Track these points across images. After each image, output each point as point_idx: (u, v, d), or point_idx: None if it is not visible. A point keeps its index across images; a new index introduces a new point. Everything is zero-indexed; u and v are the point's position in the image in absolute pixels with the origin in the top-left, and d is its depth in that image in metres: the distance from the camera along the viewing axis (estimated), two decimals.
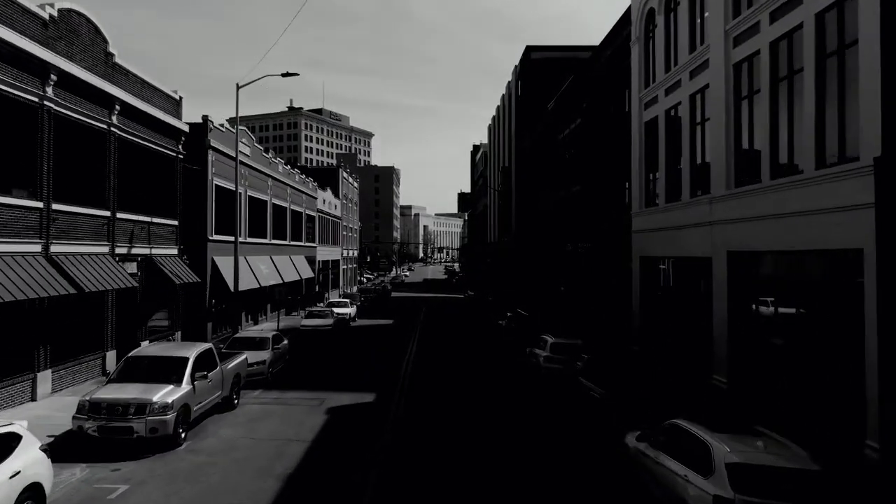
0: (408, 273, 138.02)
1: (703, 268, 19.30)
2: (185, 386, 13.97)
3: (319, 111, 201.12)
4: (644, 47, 25.07)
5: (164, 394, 13.28)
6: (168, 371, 14.21)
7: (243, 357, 18.09)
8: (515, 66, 59.88)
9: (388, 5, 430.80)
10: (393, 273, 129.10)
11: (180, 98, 26.60)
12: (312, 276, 51.03)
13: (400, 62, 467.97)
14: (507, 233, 60.58)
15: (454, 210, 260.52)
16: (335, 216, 66.77)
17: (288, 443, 13.95)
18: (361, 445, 13.88)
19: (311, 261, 53.77)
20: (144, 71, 23.57)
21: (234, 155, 32.53)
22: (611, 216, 29.29)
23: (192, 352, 14.91)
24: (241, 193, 34.97)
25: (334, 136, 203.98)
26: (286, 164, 46.22)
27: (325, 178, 69.30)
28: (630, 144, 26.27)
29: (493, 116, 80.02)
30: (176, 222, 26.18)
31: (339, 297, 53.25)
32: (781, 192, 14.87)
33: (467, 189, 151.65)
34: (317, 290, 56.93)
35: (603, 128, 30.71)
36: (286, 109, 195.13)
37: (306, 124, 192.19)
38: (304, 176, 52.00)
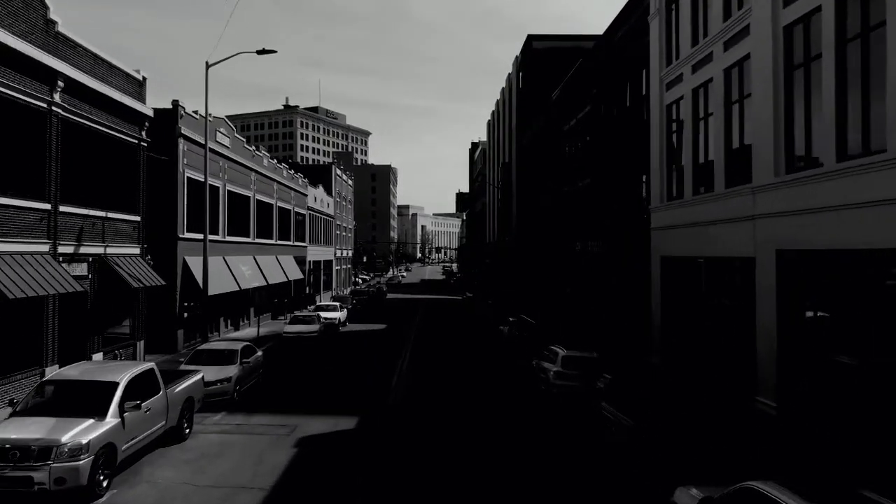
0: (405, 274, 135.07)
1: (743, 269, 16.45)
2: (111, 419, 11.09)
3: (315, 109, 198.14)
4: (665, 21, 22.22)
5: (79, 432, 10.39)
6: (91, 400, 11.32)
7: (198, 377, 15.18)
8: (516, 57, 57.06)
9: (388, 5, 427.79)
10: (390, 273, 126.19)
11: (144, 79, 23.71)
12: (301, 277, 48.16)
13: (399, 62, 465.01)
14: (508, 232, 57.77)
15: (452, 210, 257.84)
16: (328, 214, 63.89)
17: (238, 492, 11.07)
18: (331, 496, 11.00)
19: (300, 261, 50.89)
20: (98, 47, 20.68)
21: (210, 146, 29.69)
22: (625, 212, 26.45)
23: (123, 375, 12.00)
24: (219, 188, 32.10)
25: (331, 135, 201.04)
26: (273, 159, 43.36)
27: (318, 175, 66.39)
28: (648, 131, 23.44)
29: (493, 111, 77.21)
30: (138, 218, 23.28)
31: (331, 299, 50.34)
32: (853, 178, 12.02)
33: (466, 189, 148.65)
34: (307, 292, 54.04)
35: (615, 115, 27.86)
36: (281, 108, 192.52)
37: (302, 122, 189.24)
38: (292, 171, 49.12)
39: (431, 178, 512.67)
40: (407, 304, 61.49)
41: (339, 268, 72.95)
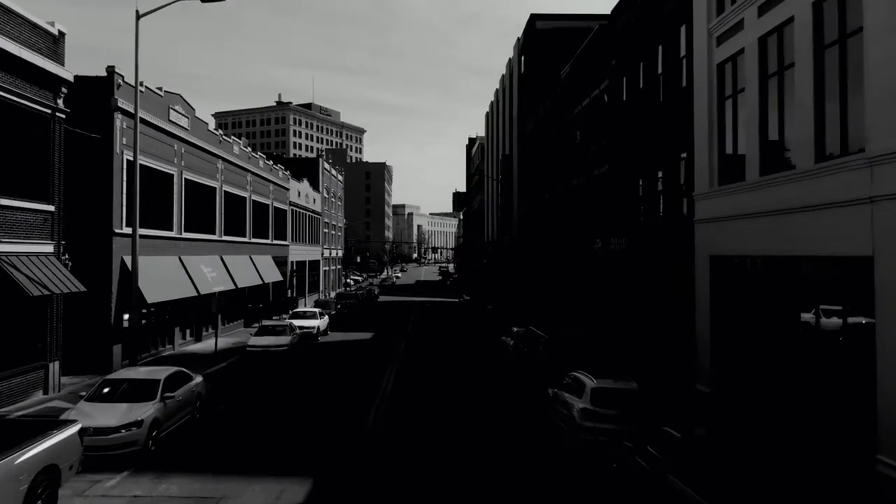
0: (399, 274, 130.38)
1: (850, 272, 11.84)
2: None
3: (309, 106, 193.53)
4: None
5: None
6: None
7: (68, 433, 10.41)
8: (518, 39, 52.45)
9: (384, 5, 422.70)
10: (384, 274, 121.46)
11: (60, 34, 18.96)
12: (281, 279, 43.43)
13: (395, 62, 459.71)
14: (508, 231, 53.15)
15: (449, 210, 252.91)
16: (314, 211, 59.18)
17: None
18: None
19: (280, 262, 46.17)
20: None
21: (161, 125, 24.98)
22: (656, 202, 21.83)
23: None
24: (173, 176, 27.39)
25: (324, 132, 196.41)
26: (247, 147, 38.64)
27: (303, 168, 61.70)
28: (688, 101, 18.83)
29: (491, 102, 72.57)
30: (51, 208, 18.53)
31: (314, 304, 45.44)
32: None
33: (463, 190, 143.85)
34: (289, 295, 49.33)
35: (642, 88, 23.24)
36: (274, 104, 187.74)
37: (295, 119, 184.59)
38: (270, 162, 44.37)
39: (428, 180, 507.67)
40: (399, 307, 56.80)
41: (327, 269, 68.24)
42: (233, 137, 35.68)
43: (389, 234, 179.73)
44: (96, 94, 21.83)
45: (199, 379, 16.30)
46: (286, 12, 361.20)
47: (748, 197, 15.41)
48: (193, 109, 29.75)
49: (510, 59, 56.63)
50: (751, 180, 15.33)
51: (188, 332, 29.62)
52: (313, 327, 31.99)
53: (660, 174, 21.73)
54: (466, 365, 25.56)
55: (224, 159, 33.77)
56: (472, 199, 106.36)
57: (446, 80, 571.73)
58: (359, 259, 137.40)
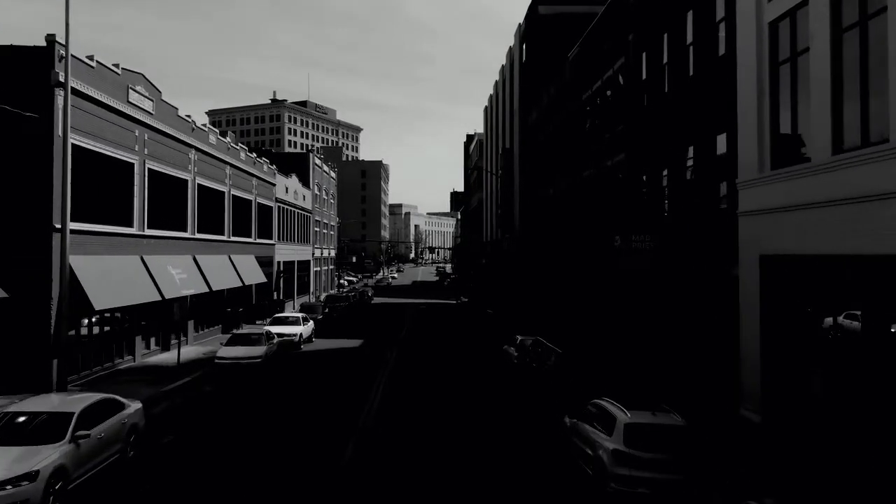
0: (396, 275, 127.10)
1: None
2: None
3: (304, 103, 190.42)
4: None
5: None
6: None
7: None
8: (519, 25, 49.39)
9: (382, 5, 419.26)
10: (380, 275, 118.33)
11: None
12: (265, 280, 40.31)
13: (392, 62, 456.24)
14: (509, 229, 50.14)
15: (447, 210, 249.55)
16: (303, 209, 56.07)
17: None
18: None
19: (265, 262, 43.06)
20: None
21: (118, 107, 21.79)
22: (686, 192, 18.80)
23: None
24: (133, 164, 24.31)
25: (320, 130, 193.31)
26: (226, 138, 35.52)
27: (293, 163, 58.58)
28: (730, 69, 15.81)
29: (490, 95, 69.55)
30: None
31: (300, 307, 42.26)
32: None
33: (461, 189, 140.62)
34: (275, 297, 46.23)
35: (667, 62, 20.21)
36: (269, 102, 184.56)
37: (290, 117, 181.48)
38: (254, 155, 41.24)
39: (426, 180, 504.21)
40: (394, 310, 53.71)
41: (318, 269, 65.14)
42: (209, 126, 32.56)
43: (386, 234, 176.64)
44: (33, 67, 18.74)
45: (133, 407, 13.19)
46: (283, 12, 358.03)
47: (813, 182, 12.38)
48: (159, 92, 26.63)
49: (510, 48, 53.61)
50: (819, 161, 12.28)
51: (153, 340, 26.49)
52: (295, 335, 28.89)
53: (689, 160, 18.70)
54: (464, 381, 22.49)
55: (198, 149, 30.66)
56: (470, 198, 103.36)
57: (445, 80, 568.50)
58: (354, 259, 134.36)
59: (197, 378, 21.82)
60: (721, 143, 16.74)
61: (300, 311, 38.02)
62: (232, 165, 35.89)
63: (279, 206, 47.44)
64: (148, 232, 25.36)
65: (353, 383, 21.58)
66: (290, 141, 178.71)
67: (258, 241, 41.64)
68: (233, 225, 36.19)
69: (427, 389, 20.63)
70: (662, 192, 20.54)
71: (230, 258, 35.26)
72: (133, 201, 24.25)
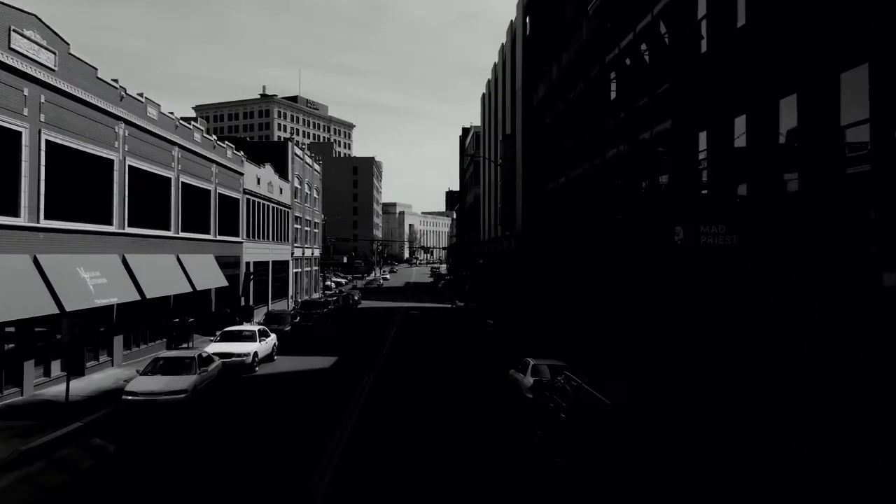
0: (388, 276, 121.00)
1: None
2: None
3: (295, 99, 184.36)
4: None
5: None
6: None
7: None
8: None
9: (375, 4, 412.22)
10: (372, 275, 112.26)
11: None
12: (226, 284, 34.32)
13: (387, 62, 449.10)
14: (510, 225, 44.26)
15: (442, 210, 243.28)
16: (280, 203, 50.08)
17: None
18: None
19: (230, 262, 37.12)
20: None
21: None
22: (781, 161, 12.90)
23: None
24: (21, 134, 18.33)
25: (311, 126, 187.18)
26: (171, 114, 29.55)
27: (269, 153, 52.61)
28: None
29: (488, 80, 63.66)
30: None
31: (264, 317, 35.97)
32: None
33: (456, 189, 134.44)
34: (243, 303, 40.26)
35: None
36: (258, 97, 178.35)
37: (280, 112, 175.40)
38: (214, 138, 35.23)
39: (421, 181, 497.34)
40: (380, 317, 47.77)
41: (299, 270, 59.14)
42: (147, 97, 26.58)
43: (379, 233, 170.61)
44: None
45: None
46: (276, 11, 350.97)
47: None
48: (67, 45, 20.64)
49: (511, 23, 47.76)
50: None
51: (57, 364, 20.48)
52: (246, 354, 22.93)
53: (780, 114, 12.82)
54: (459, 425, 16.61)
55: (130, 123, 24.70)
56: (466, 194, 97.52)
57: (439, 80, 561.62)
58: (345, 259, 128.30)
59: (90, 423, 15.83)
60: (856, 79, 10.88)
61: (265, 320, 32.00)
62: (182, 147, 29.90)
63: (249, 199, 41.48)
64: (45, 224, 19.38)
65: (310, 429, 15.66)
66: (279, 137, 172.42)
67: (220, 238, 35.67)
68: (183, 218, 30.21)
69: (407, 445, 14.73)
70: (737, 163, 14.67)
71: (178, 258, 29.30)
72: (20, 183, 18.27)
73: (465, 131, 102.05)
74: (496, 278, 53.60)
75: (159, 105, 27.68)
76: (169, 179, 28.74)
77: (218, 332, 26.66)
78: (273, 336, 26.79)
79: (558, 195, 32.60)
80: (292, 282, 55.85)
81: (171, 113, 29.06)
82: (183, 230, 30.28)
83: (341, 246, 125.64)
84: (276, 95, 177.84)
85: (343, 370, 24.49)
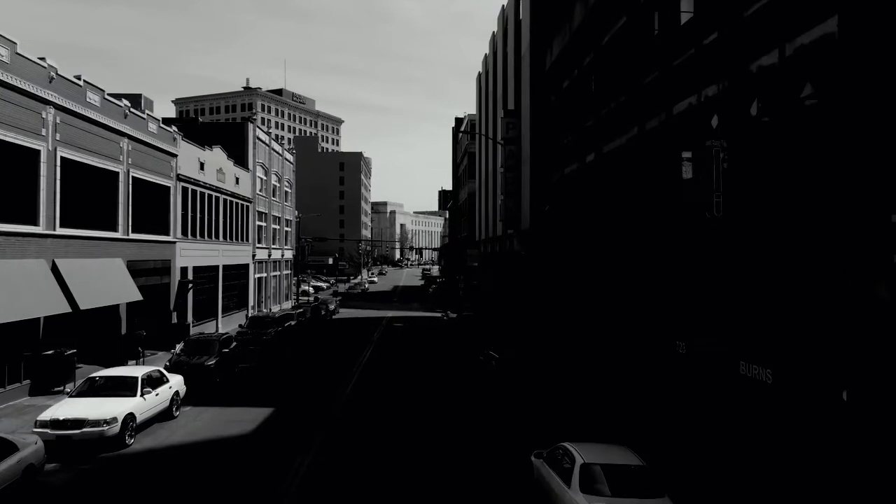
0: (375, 279, 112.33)
1: None
2: None
3: (280, 92, 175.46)
4: None
5: None
6: None
7: None
8: None
9: (368, 5, 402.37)
10: (357, 279, 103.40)
11: None
12: (139, 298, 25.64)
13: (380, 62, 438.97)
14: (514, 222, 35.80)
15: (434, 209, 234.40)
16: (236, 195, 41.43)
17: None
18: None
19: (156, 268, 28.55)
20: None
21: None
22: None
23: None
24: None
25: (297, 121, 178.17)
26: (55, 67, 20.92)
27: (223, 134, 43.98)
28: None
29: (485, 56, 55.31)
30: None
31: (183, 344, 26.15)
32: None
33: (449, 188, 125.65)
34: (178, 321, 31.68)
35: None
36: (241, 89, 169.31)
37: (264, 106, 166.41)
38: (126, 103, 26.49)
39: (412, 181, 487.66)
40: (356, 332, 39.25)
41: (264, 275, 50.47)
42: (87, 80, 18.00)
43: (367, 233, 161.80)
44: None
45: None
46: (268, 12, 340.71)
47: None
48: None
49: None
50: None
51: None
52: (108, 421, 14.24)
53: None
54: None
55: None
56: (459, 191, 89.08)
57: (432, 80, 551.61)
58: (330, 261, 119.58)
59: None
60: None
61: (183, 351, 23.31)
62: (63, 108, 21.33)
63: (185, 188, 32.90)
64: None
65: None
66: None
67: (136, 236, 27.07)
68: (61, 209, 21.59)
69: None
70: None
71: (54, 264, 20.74)
72: None
73: (459, 121, 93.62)
74: (495, 284, 45.14)
75: (17, 42, 19.07)
76: (37, 152, 20.18)
77: (73, 384, 17.91)
78: (177, 380, 18.19)
79: (581, 181, 24.20)
80: (254, 290, 47.21)
81: (55, 66, 20.42)
82: (64, 225, 21.70)
83: (326, 246, 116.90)
84: (259, 88, 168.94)
85: (274, 436, 16.00)
